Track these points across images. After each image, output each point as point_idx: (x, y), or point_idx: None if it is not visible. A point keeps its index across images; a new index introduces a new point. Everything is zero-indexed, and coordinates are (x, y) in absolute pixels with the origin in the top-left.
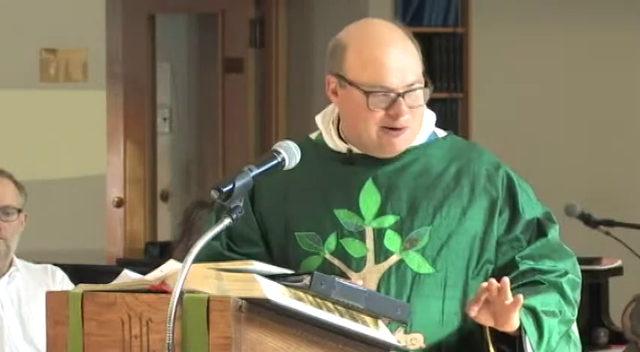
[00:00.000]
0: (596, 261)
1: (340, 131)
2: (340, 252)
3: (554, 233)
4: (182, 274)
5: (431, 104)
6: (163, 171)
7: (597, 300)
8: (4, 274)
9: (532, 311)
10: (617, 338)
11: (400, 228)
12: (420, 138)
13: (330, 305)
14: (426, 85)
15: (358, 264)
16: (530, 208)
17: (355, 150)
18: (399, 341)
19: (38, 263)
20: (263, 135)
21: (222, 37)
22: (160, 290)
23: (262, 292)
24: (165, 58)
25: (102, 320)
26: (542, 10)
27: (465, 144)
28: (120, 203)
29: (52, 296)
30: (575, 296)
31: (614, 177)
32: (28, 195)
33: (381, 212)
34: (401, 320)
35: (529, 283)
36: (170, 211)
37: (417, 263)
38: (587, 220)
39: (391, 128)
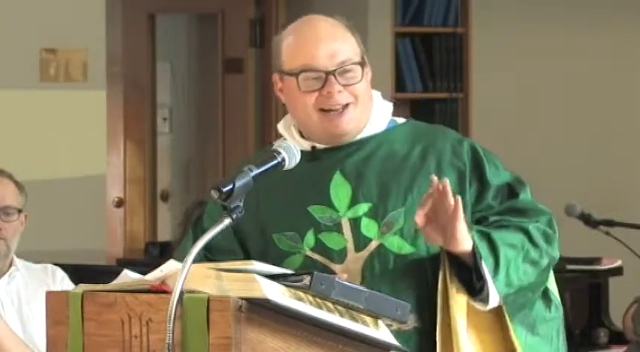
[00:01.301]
0: (596, 261)
1: (301, 131)
2: (320, 247)
3: (525, 194)
4: (182, 274)
5: (431, 104)
6: (163, 171)
7: (597, 300)
8: (4, 274)
9: (486, 236)
10: (617, 338)
11: (375, 214)
12: (379, 127)
13: (330, 305)
14: (362, 65)
15: (339, 256)
16: (497, 176)
17: (318, 145)
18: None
19: (38, 263)
20: (263, 135)
21: (222, 37)
22: (160, 290)
23: (262, 292)
24: (165, 58)
25: (102, 320)
26: (542, 10)
27: (428, 126)
28: (120, 203)
29: (52, 296)
30: (547, 248)
31: (614, 177)
32: (28, 195)
33: (354, 201)
34: (401, 321)
35: (496, 227)
36: (170, 211)
37: (397, 245)
38: (587, 220)
39: (329, 110)
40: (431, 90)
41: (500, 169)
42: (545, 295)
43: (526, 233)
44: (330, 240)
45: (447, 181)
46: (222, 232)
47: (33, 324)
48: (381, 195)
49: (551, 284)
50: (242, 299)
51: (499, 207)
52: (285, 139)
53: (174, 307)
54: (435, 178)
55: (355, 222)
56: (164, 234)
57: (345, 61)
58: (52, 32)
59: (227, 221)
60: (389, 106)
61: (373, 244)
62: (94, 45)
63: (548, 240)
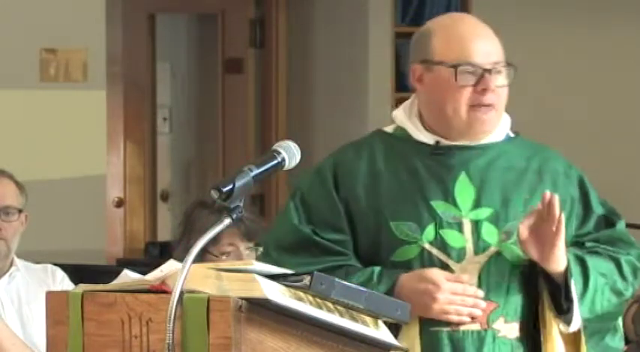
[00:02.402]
0: None
1: (424, 123)
2: (439, 242)
3: (621, 225)
4: (182, 274)
5: None
6: (163, 171)
7: None
8: (4, 274)
9: (580, 260)
10: None
11: (496, 220)
12: (499, 136)
13: (330, 305)
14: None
15: (458, 255)
16: (598, 206)
17: (443, 141)
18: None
19: (38, 263)
20: (263, 135)
21: (222, 37)
22: (160, 290)
23: (262, 292)
24: (165, 58)
25: (102, 320)
26: (542, 11)
27: (535, 144)
28: (120, 203)
29: (52, 296)
30: (634, 281)
31: (614, 177)
32: (28, 195)
33: (477, 204)
34: (401, 321)
35: (588, 253)
36: (170, 211)
37: (514, 254)
38: None
39: (479, 105)
40: None
41: (599, 199)
42: (615, 326)
43: (617, 264)
44: (451, 238)
45: (556, 196)
46: (331, 209)
47: (33, 324)
48: (502, 202)
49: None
50: (242, 299)
51: (595, 235)
52: (287, 141)
53: (174, 307)
54: (547, 192)
55: (477, 225)
56: (164, 234)
57: (499, 61)
58: (52, 32)
59: (227, 221)
60: (508, 118)
61: (492, 250)
62: (94, 45)
63: (635, 273)
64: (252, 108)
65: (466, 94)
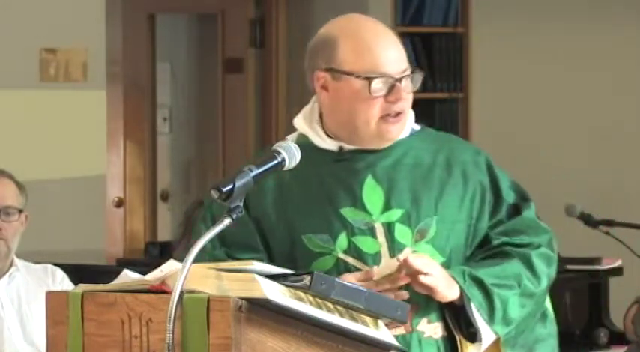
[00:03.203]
0: (596, 261)
1: (326, 129)
2: (353, 250)
3: (528, 211)
4: (182, 274)
5: (431, 104)
6: (163, 171)
7: (597, 300)
8: (4, 274)
9: (477, 281)
10: (617, 338)
11: (408, 221)
12: (404, 132)
13: (330, 305)
14: (414, 72)
15: (374, 260)
16: (509, 194)
17: (346, 146)
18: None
19: (38, 263)
20: (263, 136)
21: (222, 37)
22: (160, 290)
23: (262, 292)
24: (165, 58)
25: (102, 320)
26: (542, 10)
27: (441, 134)
28: (120, 203)
29: (52, 296)
30: (549, 270)
31: (614, 177)
32: (28, 195)
33: (387, 206)
34: (401, 321)
35: (497, 254)
36: (170, 211)
37: (429, 253)
38: (587, 220)
39: (390, 114)
40: (431, 91)
41: (510, 184)
42: (542, 312)
43: (528, 263)
44: (364, 244)
45: (401, 264)
46: (243, 229)
47: (33, 324)
48: (413, 202)
49: (547, 300)
50: (242, 299)
51: (504, 226)
52: (286, 139)
53: (174, 307)
54: (397, 259)
55: (389, 228)
56: (164, 234)
57: (406, 68)
58: (52, 32)
59: (227, 221)
60: (411, 112)
61: (407, 251)
62: (94, 45)
63: (549, 263)
64: (252, 108)
65: (377, 105)
